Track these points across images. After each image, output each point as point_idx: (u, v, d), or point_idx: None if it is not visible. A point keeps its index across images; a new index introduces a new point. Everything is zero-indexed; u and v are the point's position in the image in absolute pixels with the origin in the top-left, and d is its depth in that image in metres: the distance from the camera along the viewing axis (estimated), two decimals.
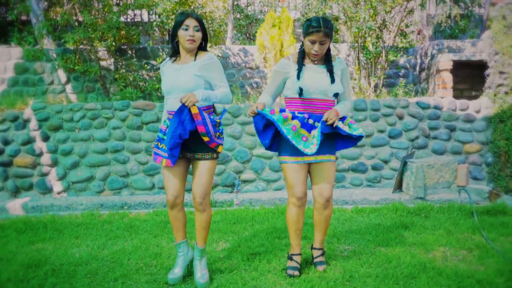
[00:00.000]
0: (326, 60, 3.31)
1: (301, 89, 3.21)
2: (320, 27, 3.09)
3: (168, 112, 3.22)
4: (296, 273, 3.32)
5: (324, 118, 3.17)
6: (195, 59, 3.18)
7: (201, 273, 3.25)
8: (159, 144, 3.25)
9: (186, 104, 2.97)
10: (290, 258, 3.43)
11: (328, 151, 3.31)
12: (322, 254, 3.49)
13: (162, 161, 3.18)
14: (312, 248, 3.56)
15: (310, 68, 3.27)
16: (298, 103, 3.28)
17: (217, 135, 3.18)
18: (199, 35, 3.13)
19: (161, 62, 9.03)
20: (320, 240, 3.50)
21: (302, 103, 3.27)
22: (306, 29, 3.15)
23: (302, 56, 3.29)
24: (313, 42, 3.15)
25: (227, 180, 7.28)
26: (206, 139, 3.09)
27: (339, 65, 3.34)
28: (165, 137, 3.19)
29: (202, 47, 3.25)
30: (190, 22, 3.10)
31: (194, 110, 3.00)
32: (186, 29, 3.09)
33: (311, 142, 3.17)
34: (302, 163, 3.29)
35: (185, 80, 3.11)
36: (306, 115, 3.23)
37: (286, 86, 3.33)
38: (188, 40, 3.10)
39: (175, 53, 3.25)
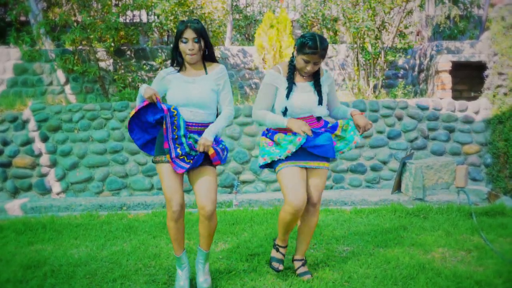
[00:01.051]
0: (314, 77, 3.22)
1: (286, 109, 3.13)
2: (316, 49, 2.98)
3: None
4: (281, 266, 3.29)
5: (364, 129, 3.17)
6: (206, 72, 3.13)
7: (204, 278, 3.18)
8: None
9: (205, 150, 3.02)
10: (276, 248, 3.36)
11: (324, 158, 3.24)
12: (304, 265, 3.38)
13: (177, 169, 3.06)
14: (293, 260, 3.43)
15: (300, 87, 3.17)
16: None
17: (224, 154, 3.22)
18: (198, 46, 3.03)
19: (160, 63, 9.06)
20: (302, 250, 3.37)
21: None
22: (300, 47, 3.03)
23: (292, 71, 3.16)
24: (306, 62, 3.05)
25: (226, 181, 7.28)
26: (217, 163, 3.15)
27: (326, 81, 3.26)
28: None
29: (208, 56, 3.17)
30: (189, 34, 3.00)
31: (211, 151, 3.06)
32: (186, 42, 3.01)
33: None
34: (298, 167, 3.19)
35: (200, 94, 3.05)
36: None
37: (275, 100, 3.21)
38: (188, 54, 3.03)
39: (177, 64, 3.14)
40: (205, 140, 3.01)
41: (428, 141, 7.66)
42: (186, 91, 3.06)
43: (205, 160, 3.12)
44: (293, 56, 3.17)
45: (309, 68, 3.08)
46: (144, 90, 3.01)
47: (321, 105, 3.20)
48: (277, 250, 3.36)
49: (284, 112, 3.14)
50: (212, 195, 3.08)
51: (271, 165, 3.27)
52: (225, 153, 3.21)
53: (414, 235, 4.19)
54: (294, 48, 3.13)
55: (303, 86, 3.18)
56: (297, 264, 3.39)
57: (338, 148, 3.28)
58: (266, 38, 8.63)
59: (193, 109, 3.07)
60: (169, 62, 8.76)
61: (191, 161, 3.06)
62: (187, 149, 3.04)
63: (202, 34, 3.03)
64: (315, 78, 3.21)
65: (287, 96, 3.12)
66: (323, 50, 3.01)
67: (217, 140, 3.14)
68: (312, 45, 2.98)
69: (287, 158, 3.17)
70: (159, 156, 3.11)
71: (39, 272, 3.43)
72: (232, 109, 3.20)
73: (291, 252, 3.76)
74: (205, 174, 3.11)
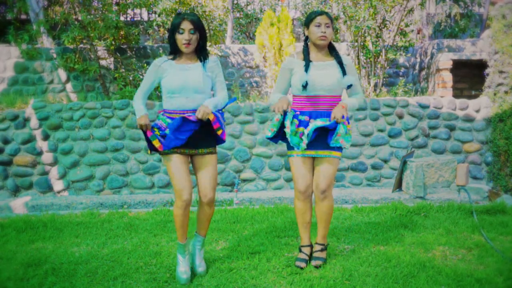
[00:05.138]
0: (333, 53, 3.42)
1: (306, 83, 3.28)
2: (321, 11, 3.30)
3: (171, 112, 3.23)
4: (303, 264, 3.45)
5: (332, 118, 3.26)
6: (200, 60, 3.27)
7: (199, 262, 3.39)
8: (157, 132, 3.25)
9: (202, 118, 3.09)
10: (299, 250, 3.57)
11: (334, 147, 3.37)
12: (322, 250, 3.53)
13: (154, 138, 3.19)
14: (315, 243, 3.61)
15: (318, 65, 3.35)
16: (304, 100, 3.36)
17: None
18: (195, 37, 3.17)
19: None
20: (321, 235, 3.54)
21: (307, 100, 3.35)
22: (308, 17, 3.33)
23: (307, 52, 3.38)
24: (318, 26, 3.28)
25: (226, 179, 7.29)
26: (219, 132, 3.23)
27: (344, 61, 3.43)
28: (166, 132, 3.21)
29: (201, 48, 3.27)
30: (186, 25, 3.13)
31: (211, 117, 3.15)
32: (182, 33, 3.14)
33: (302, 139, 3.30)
34: (305, 157, 3.41)
35: (196, 79, 3.19)
36: (297, 112, 3.35)
37: (291, 83, 3.42)
38: (184, 44, 3.16)
39: (174, 53, 3.27)
40: (205, 107, 3.12)
41: (428, 140, 7.66)
42: (182, 77, 3.18)
43: (206, 147, 3.28)
44: (305, 42, 3.42)
45: (322, 29, 3.27)
46: (138, 121, 3.20)
47: (346, 75, 3.35)
48: (300, 251, 3.57)
49: (305, 86, 3.29)
50: (213, 183, 3.30)
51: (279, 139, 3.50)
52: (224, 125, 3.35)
53: (415, 233, 4.19)
54: (304, 29, 3.40)
55: (320, 65, 3.36)
56: (316, 247, 3.56)
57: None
58: (267, 36, 8.62)
59: (189, 95, 3.19)
60: None
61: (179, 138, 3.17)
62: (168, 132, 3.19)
63: (198, 26, 3.17)
64: (333, 54, 3.42)
65: (306, 70, 3.31)
66: (327, 13, 3.31)
67: (222, 115, 3.31)
68: (316, 11, 3.34)
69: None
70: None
71: (40, 270, 3.43)
72: (226, 94, 3.39)
73: (294, 248, 3.77)
74: (206, 163, 3.29)
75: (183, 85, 3.16)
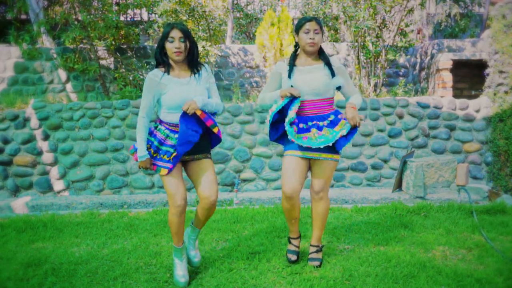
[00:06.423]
0: (321, 55, 3.44)
1: (292, 87, 3.32)
2: (311, 18, 3.32)
3: (171, 125, 3.19)
4: (294, 257, 3.50)
5: (353, 125, 3.26)
6: (195, 72, 3.23)
7: (195, 252, 3.41)
8: (154, 153, 3.21)
9: (188, 112, 3.07)
10: (289, 241, 3.61)
11: (333, 150, 3.35)
12: (317, 251, 3.53)
13: (159, 170, 3.17)
14: (310, 245, 3.61)
15: (303, 70, 3.37)
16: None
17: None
18: (184, 45, 3.14)
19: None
20: (316, 236, 3.55)
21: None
22: (298, 24, 3.37)
23: (293, 58, 3.43)
24: (307, 32, 3.30)
25: (226, 179, 7.29)
26: (215, 129, 3.24)
27: (333, 63, 3.43)
28: (162, 147, 3.19)
29: (194, 59, 3.23)
30: (175, 34, 3.11)
31: (198, 112, 3.12)
32: (172, 41, 3.12)
33: (316, 138, 3.26)
34: (303, 157, 3.35)
35: (198, 94, 3.17)
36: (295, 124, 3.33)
37: (281, 86, 3.46)
38: (175, 53, 3.13)
39: (163, 65, 3.22)
40: (192, 102, 3.11)
41: (428, 140, 7.66)
42: (182, 94, 3.15)
43: (202, 152, 3.28)
44: (295, 48, 3.45)
45: (311, 35, 3.30)
46: (140, 164, 3.20)
47: (334, 76, 3.36)
48: (290, 242, 3.60)
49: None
50: (215, 186, 3.26)
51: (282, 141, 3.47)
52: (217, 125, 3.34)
53: (415, 233, 4.19)
54: (295, 35, 3.42)
55: (306, 69, 3.37)
56: (310, 249, 3.57)
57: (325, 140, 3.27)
58: (267, 36, 8.62)
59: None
60: None
61: (171, 159, 3.17)
62: (171, 150, 3.18)
63: (187, 35, 3.17)
64: (322, 56, 3.43)
65: (289, 76, 3.36)
66: (316, 19, 3.34)
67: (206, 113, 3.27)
68: (306, 17, 3.37)
69: (294, 147, 3.35)
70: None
71: (40, 270, 3.43)
72: (220, 101, 3.37)
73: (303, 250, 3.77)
74: (204, 167, 3.26)
75: (184, 101, 3.12)
